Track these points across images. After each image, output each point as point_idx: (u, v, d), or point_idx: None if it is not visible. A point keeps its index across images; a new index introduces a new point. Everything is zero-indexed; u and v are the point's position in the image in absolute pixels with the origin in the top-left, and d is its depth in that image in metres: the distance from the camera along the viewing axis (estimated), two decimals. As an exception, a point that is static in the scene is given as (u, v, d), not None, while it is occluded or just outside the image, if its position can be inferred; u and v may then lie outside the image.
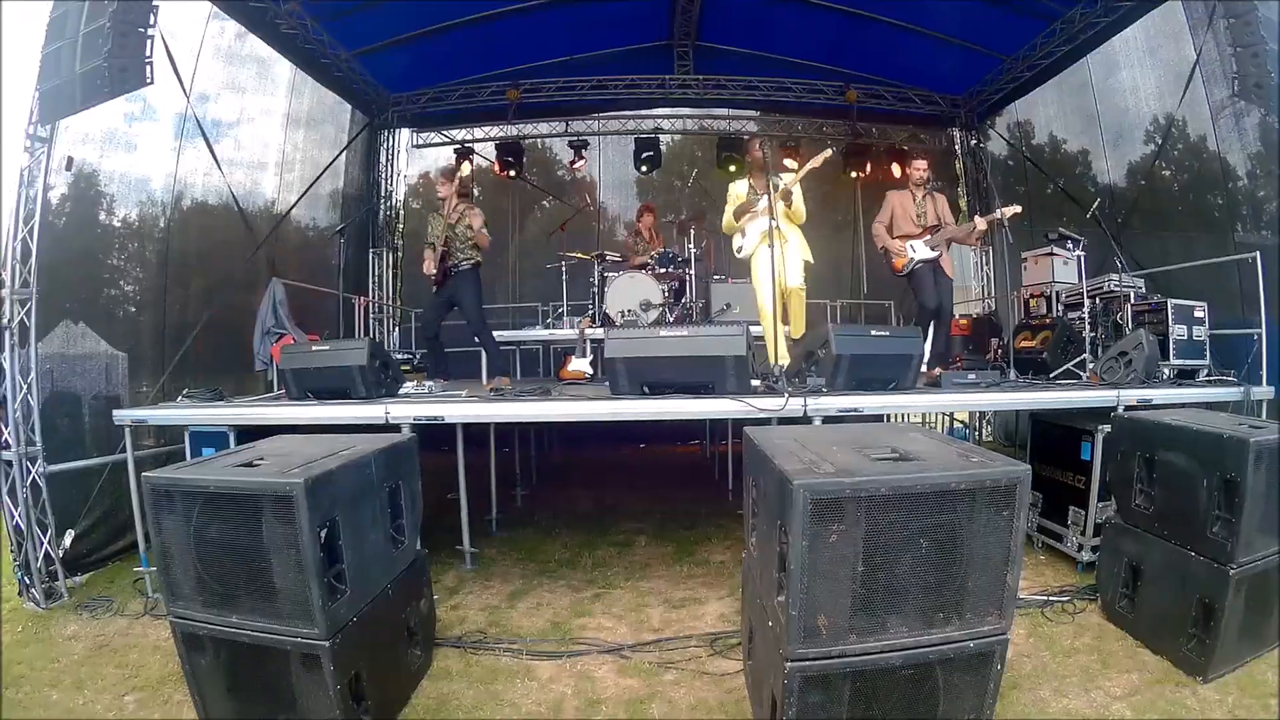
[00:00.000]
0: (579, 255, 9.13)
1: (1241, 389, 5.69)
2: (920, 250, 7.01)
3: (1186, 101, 7.25)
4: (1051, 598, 4.65)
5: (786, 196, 6.11)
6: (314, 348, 5.68)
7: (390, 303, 11.72)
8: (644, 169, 11.50)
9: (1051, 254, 7.96)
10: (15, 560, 5.36)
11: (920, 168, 7.31)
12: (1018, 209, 6.85)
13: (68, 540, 5.54)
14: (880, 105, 11.02)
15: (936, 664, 2.83)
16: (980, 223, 6.96)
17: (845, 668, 2.76)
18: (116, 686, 4.03)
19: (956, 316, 9.28)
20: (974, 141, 11.02)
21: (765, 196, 5.96)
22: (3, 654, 4.41)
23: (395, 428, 4.73)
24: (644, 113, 11.77)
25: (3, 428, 5.32)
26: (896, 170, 10.74)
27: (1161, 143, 7.82)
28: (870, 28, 9.36)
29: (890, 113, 11.23)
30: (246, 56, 8.17)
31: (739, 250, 6.44)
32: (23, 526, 5.25)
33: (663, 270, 8.52)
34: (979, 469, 2.85)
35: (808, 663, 2.75)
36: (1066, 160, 9.67)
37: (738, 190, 6.49)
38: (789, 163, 6.31)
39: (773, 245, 5.53)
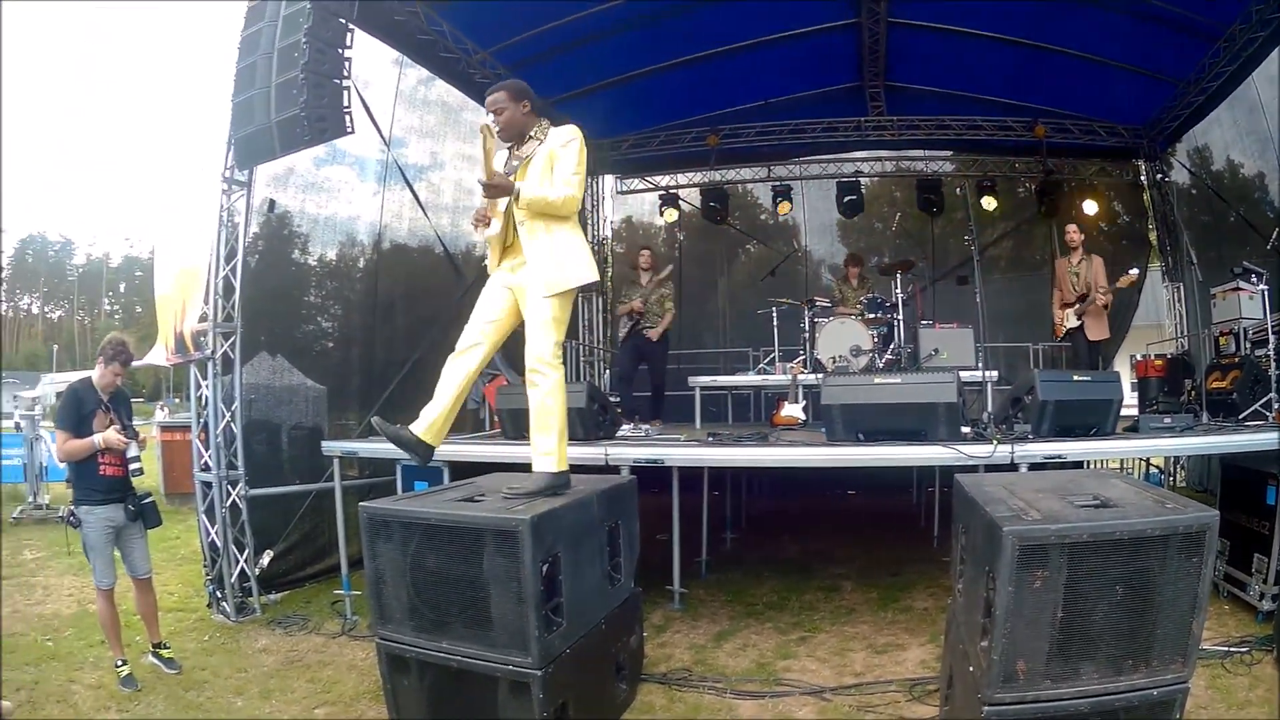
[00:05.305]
0: (787, 302, 8.97)
1: None
2: (1070, 320, 7.83)
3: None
4: (1231, 648, 4.46)
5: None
6: (529, 390, 5.93)
7: (600, 346, 11.84)
8: (847, 213, 11.33)
9: (1238, 289, 7.48)
10: (208, 575, 5.77)
11: (1071, 231, 7.92)
12: (1134, 276, 7.44)
13: (265, 559, 5.94)
14: (1067, 139, 10.49)
15: (1121, 711, 2.80)
16: (1101, 298, 7.47)
17: (1038, 713, 2.76)
18: (306, 700, 4.20)
19: (1151, 357, 9.13)
20: (1159, 174, 10.48)
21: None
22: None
23: (614, 469, 4.83)
24: (843, 155, 11.59)
25: (203, 450, 5.84)
26: (1090, 207, 10.35)
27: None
28: (1049, 59, 9.00)
29: (1077, 146, 10.69)
30: (433, 102, 8.44)
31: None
32: (219, 544, 5.68)
33: (871, 316, 8.39)
34: (1173, 515, 2.83)
35: (1004, 707, 2.77)
36: (1245, 185, 9.07)
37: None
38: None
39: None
